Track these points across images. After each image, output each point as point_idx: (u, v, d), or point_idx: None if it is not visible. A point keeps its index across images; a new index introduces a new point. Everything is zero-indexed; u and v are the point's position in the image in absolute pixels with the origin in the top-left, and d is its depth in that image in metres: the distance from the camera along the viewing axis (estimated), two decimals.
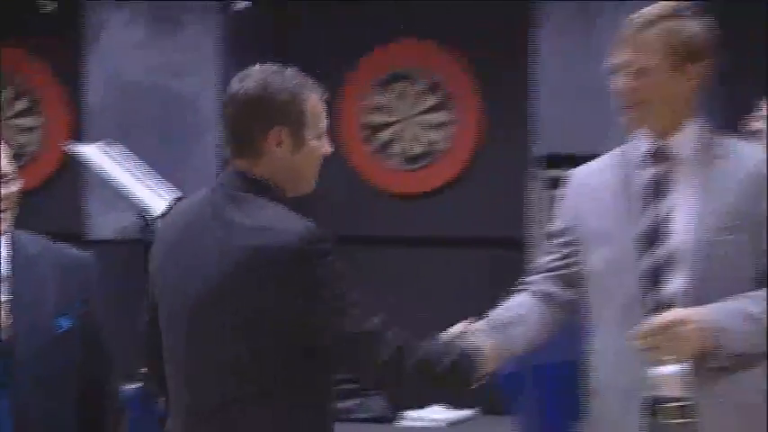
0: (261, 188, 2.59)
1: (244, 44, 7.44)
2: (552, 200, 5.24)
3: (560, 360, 5.30)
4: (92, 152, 6.46)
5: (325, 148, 2.69)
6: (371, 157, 7.48)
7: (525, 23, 6.89)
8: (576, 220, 2.95)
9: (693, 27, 2.80)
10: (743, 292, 2.73)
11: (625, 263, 2.80)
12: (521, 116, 6.96)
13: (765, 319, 2.69)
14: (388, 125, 7.58)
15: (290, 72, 2.66)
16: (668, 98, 2.80)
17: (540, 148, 6.56)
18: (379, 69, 7.52)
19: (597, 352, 2.93)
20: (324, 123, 2.69)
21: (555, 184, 5.31)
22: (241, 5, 7.28)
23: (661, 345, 2.65)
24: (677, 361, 2.66)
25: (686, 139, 2.83)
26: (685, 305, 2.72)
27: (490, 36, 7.25)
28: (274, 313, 2.51)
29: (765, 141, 5.09)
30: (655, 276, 2.78)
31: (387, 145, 7.55)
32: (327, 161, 2.83)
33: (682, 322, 2.65)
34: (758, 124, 5.19)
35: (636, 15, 2.82)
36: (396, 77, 7.56)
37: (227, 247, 2.54)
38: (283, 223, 2.54)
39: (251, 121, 2.60)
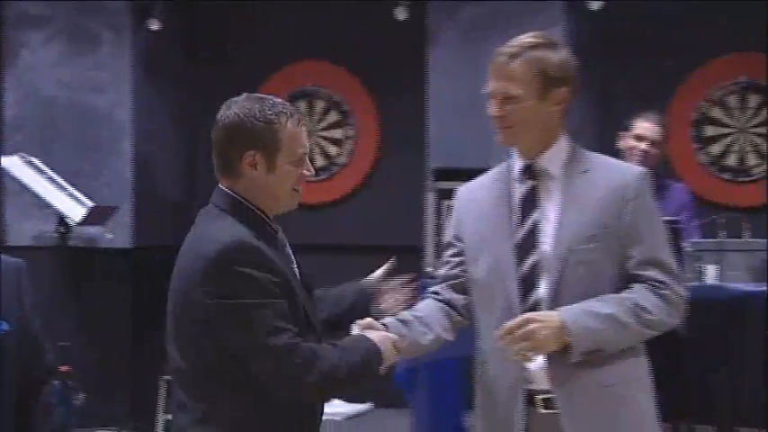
0: (234, 204, 2.76)
1: (156, 62, 7.47)
2: (444, 210, 5.43)
3: (450, 356, 5.49)
4: (12, 163, 6.50)
5: (304, 171, 2.83)
6: None
7: (419, 45, 7.00)
8: (463, 231, 3.07)
9: (556, 56, 2.88)
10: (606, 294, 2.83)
11: (505, 270, 2.90)
12: (415, 132, 7.07)
13: (615, 319, 2.78)
14: None
15: (272, 101, 2.78)
16: (535, 121, 2.89)
17: (432, 161, 6.67)
18: (284, 88, 7.52)
19: (484, 351, 3.02)
20: (302, 149, 2.80)
21: (446, 195, 5.50)
22: (154, 26, 7.29)
23: (516, 343, 2.76)
24: (534, 357, 2.81)
25: (554, 156, 2.92)
26: (550, 308, 2.82)
27: (387, 57, 7.38)
28: (203, 317, 2.64)
29: (634, 157, 5.37)
30: (528, 281, 2.87)
31: None
32: None
33: (531, 322, 2.76)
34: (629, 141, 5.47)
35: (503, 47, 2.91)
36: (299, 96, 7.62)
37: (185, 255, 2.74)
38: (216, 235, 2.68)
39: (229, 145, 2.75)
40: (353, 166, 7.67)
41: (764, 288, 4.98)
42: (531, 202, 2.94)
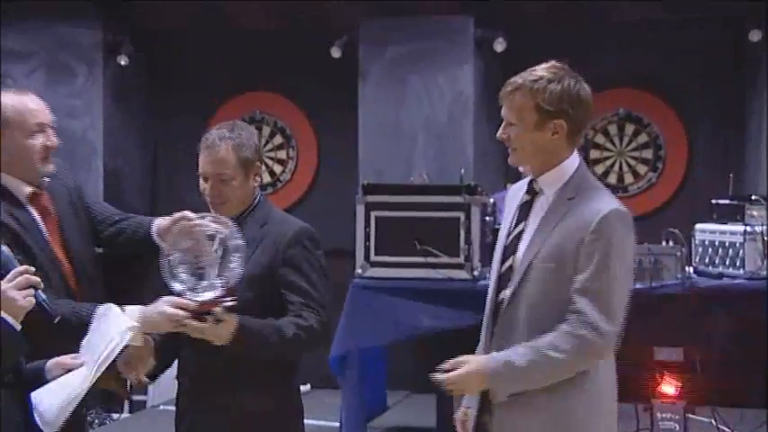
0: None
1: (124, 92, 7.41)
2: (372, 219, 5.43)
3: (375, 344, 5.48)
4: None
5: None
6: None
7: (351, 79, 7.01)
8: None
9: (555, 90, 2.67)
10: (553, 314, 2.63)
11: (494, 267, 2.80)
12: (348, 153, 7.07)
13: (533, 368, 2.61)
14: None
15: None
16: (533, 148, 2.70)
17: (363, 178, 6.58)
18: (235, 115, 7.49)
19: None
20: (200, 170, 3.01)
21: (374, 207, 5.48)
22: (122, 61, 7.25)
23: (450, 382, 2.67)
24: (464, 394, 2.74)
25: (552, 179, 2.73)
26: (507, 308, 2.70)
27: (324, 89, 7.36)
28: None
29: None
30: (503, 281, 2.74)
31: None
32: (197, 186, 3.02)
33: (460, 365, 2.65)
34: None
35: (513, 77, 2.73)
36: (248, 122, 7.44)
37: None
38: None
39: None
40: (295, 182, 7.66)
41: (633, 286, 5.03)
42: (522, 214, 2.78)
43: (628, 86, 7.14)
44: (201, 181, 3.01)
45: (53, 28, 7.18)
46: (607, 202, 2.68)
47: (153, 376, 2.97)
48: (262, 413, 2.94)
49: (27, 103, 2.92)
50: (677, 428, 5.14)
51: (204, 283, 2.80)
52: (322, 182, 7.60)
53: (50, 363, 2.56)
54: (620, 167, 7.21)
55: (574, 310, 2.61)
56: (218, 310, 2.76)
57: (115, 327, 2.53)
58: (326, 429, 5.69)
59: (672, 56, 7.00)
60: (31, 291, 2.37)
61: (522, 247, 2.72)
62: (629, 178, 7.19)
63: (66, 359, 2.55)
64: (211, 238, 2.84)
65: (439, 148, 6.85)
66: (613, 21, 7.07)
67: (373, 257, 5.37)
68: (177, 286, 2.79)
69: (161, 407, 6.42)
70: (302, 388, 6.75)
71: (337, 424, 5.45)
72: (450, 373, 2.65)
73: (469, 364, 2.66)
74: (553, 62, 2.76)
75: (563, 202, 2.69)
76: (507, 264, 2.74)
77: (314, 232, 3.05)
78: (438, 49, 6.82)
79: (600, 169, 7.21)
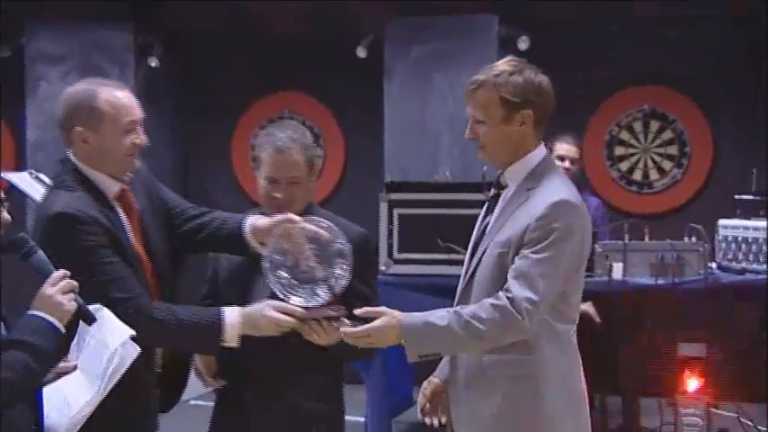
0: None
1: (155, 93, 7.44)
2: (394, 216, 5.42)
3: None
4: (20, 178, 6.37)
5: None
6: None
7: (377, 79, 7.01)
8: None
9: (517, 81, 2.68)
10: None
11: (465, 262, 2.80)
12: (374, 151, 7.09)
13: (448, 332, 2.61)
14: None
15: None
16: (502, 142, 2.71)
17: (388, 175, 6.67)
18: (263, 115, 7.58)
19: None
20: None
21: (396, 204, 5.48)
22: (153, 63, 7.30)
23: (362, 335, 2.64)
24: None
25: (517, 170, 2.74)
26: (463, 297, 2.72)
27: (350, 89, 7.38)
28: None
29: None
30: (471, 270, 2.74)
31: None
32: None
33: (377, 315, 2.64)
34: (554, 161, 5.43)
35: (474, 75, 2.73)
36: (276, 122, 7.62)
37: None
38: None
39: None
40: (323, 180, 7.65)
41: (655, 282, 5.01)
42: (489, 208, 2.80)
43: (651, 83, 7.09)
44: (265, 183, 2.89)
45: (85, 31, 7.26)
46: (558, 193, 2.67)
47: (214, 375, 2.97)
48: (316, 411, 2.94)
49: (121, 99, 2.79)
50: (701, 423, 5.12)
51: (306, 287, 2.76)
52: (349, 180, 7.63)
53: None
54: (646, 164, 7.16)
55: (504, 288, 2.62)
56: (332, 314, 2.71)
57: (113, 335, 2.44)
58: (352, 424, 5.63)
59: (694, 53, 6.95)
60: (72, 295, 2.35)
61: (487, 235, 2.74)
62: (654, 175, 7.15)
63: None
64: (312, 241, 2.78)
65: (463, 146, 6.77)
66: (635, 18, 7.02)
67: (396, 255, 5.38)
68: (279, 291, 2.73)
69: (191, 402, 6.44)
70: None
71: (363, 419, 5.44)
72: (365, 326, 2.62)
73: (386, 316, 2.63)
74: (511, 57, 2.81)
75: (522, 193, 2.71)
76: (476, 258, 2.74)
77: (371, 238, 2.99)
78: (462, 48, 6.81)
79: (625, 166, 7.16)
